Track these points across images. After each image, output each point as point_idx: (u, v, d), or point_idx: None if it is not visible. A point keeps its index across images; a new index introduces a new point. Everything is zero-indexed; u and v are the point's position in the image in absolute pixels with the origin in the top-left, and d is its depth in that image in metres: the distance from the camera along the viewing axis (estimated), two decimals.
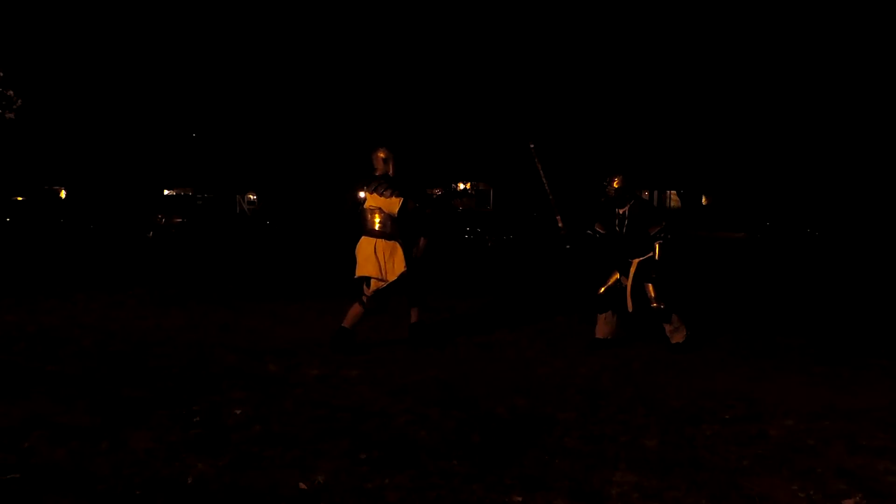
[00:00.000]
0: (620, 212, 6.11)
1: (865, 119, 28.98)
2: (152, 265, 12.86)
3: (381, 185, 5.90)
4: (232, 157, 33.42)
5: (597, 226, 6.26)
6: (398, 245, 5.89)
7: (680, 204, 41.24)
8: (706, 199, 41.66)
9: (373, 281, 5.88)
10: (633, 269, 6.08)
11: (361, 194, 6.11)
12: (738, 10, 28.80)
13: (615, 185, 6.07)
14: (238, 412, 4.30)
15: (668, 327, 6.15)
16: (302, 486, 3.30)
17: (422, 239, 6.14)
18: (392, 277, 5.87)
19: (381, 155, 5.96)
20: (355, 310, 5.93)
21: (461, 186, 42.22)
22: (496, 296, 9.45)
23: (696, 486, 3.33)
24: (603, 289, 6.20)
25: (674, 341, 6.14)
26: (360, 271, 5.92)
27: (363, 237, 5.95)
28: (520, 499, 3.20)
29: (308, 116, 31.15)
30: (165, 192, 37.26)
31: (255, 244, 18.87)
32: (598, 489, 3.29)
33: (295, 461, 3.57)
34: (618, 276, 6.18)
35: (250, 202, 38.04)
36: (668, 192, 43.47)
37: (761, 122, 31.10)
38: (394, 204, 5.83)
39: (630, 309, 6.09)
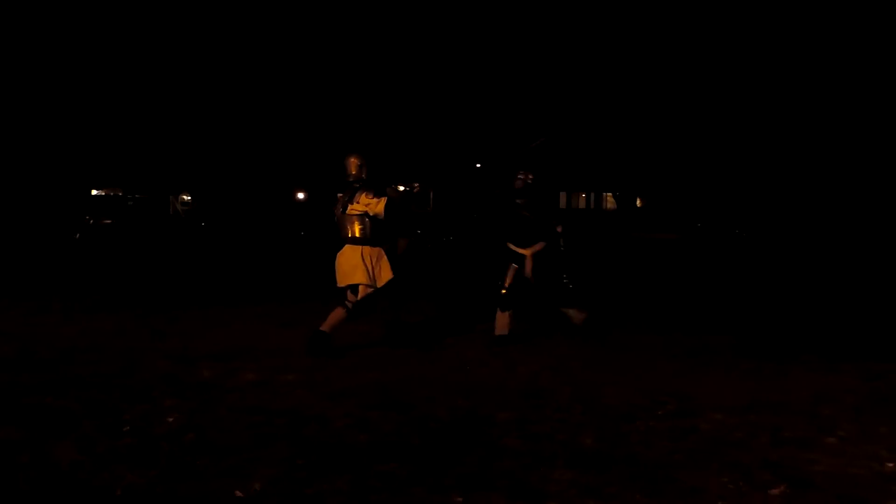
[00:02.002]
0: (520, 205, 6.53)
1: (791, 124, 30.26)
2: (79, 268, 12.38)
3: (361, 190, 5.93)
4: (165, 156, 32.46)
5: (493, 217, 6.73)
6: (383, 251, 5.95)
7: (616, 206, 42.25)
8: (641, 201, 42.79)
9: (361, 287, 5.88)
10: (528, 261, 6.42)
11: (339, 204, 6.09)
12: (666, 17, 29.69)
13: (522, 179, 6.56)
14: (170, 420, 4.17)
15: (567, 312, 6.56)
16: (238, 493, 3.22)
17: (401, 239, 6.29)
18: (381, 283, 5.92)
19: (356, 161, 6.02)
20: (338, 314, 5.88)
21: (401, 188, 42.08)
22: (436, 297, 9.46)
23: (631, 481, 3.41)
24: (506, 287, 6.49)
25: (577, 321, 6.54)
26: (348, 279, 5.89)
27: (347, 246, 5.94)
28: (460, 499, 3.21)
29: (244, 116, 30.55)
30: (94, 192, 35.90)
31: (189, 247, 18.39)
32: (537, 487, 3.33)
33: (231, 469, 3.48)
34: (516, 268, 6.50)
35: (184, 203, 37.04)
36: (605, 194, 44.50)
37: (693, 127, 32.12)
38: (380, 205, 5.86)
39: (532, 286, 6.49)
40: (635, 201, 42.56)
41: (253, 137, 30.96)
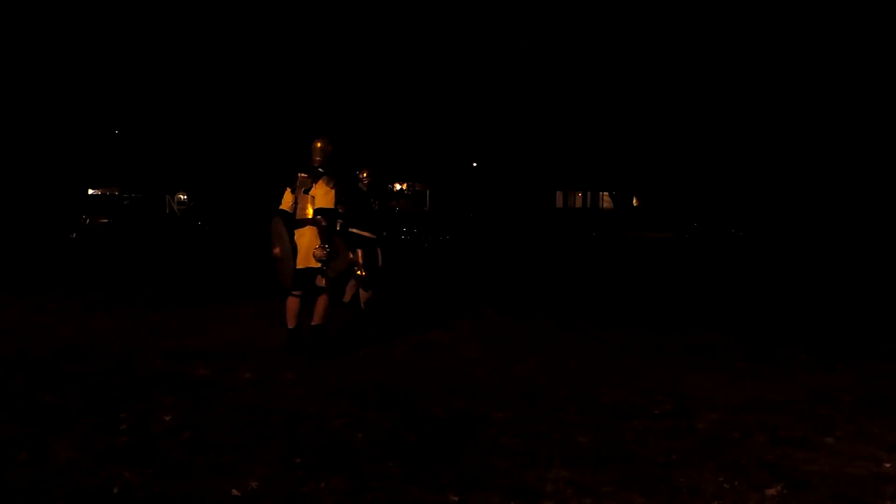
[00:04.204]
0: (371, 200, 7.53)
1: (787, 124, 30.30)
2: (76, 267, 12.36)
3: (324, 176, 5.74)
4: (161, 155, 32.41)
5: (339, 208, 6.99)
6: (338, 235, 5.90)
7: (612, 205, 42.28)
8: (637, 200, 42.82)
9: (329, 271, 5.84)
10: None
11: (300, 185, 5.96)
12: (663, 17, 29.71)
13: (364, 176, 7.71)
14: (167, 418, 4.17)
15: (364, 294, 7.61)
16: (235, 492, 3.22)
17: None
18: (343, 267, 5.92)
19: (323, 145, 5.83)
20: (323, 303, 5.79)
21: (398, 187, 42.15)
22: (432, 296, 9.46)
23: (627, 481, 3.41)
24: (363, 270, 7.18)
25: (363, 300, 7.61)
26: (313, 262, 5.71)
27: (307, 227, 5.74)
28: (456, 498, 3.21)
29: (240, 115, 30.51)
30: (90, 191, 35.80)
31: (185, 245, 18.37)
32: (533, 487, 3.33)
33: (227, 467, 3.48)
34: (362, 252, 7.28)
35: (180, 202, 36.96)
36: (601, 193, 44.54)
37: (690, 127, 32.15)
38: (330, 196, 5.69)
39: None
40: (632, 200, 42.58)
41: (249, 136, 30.92)
